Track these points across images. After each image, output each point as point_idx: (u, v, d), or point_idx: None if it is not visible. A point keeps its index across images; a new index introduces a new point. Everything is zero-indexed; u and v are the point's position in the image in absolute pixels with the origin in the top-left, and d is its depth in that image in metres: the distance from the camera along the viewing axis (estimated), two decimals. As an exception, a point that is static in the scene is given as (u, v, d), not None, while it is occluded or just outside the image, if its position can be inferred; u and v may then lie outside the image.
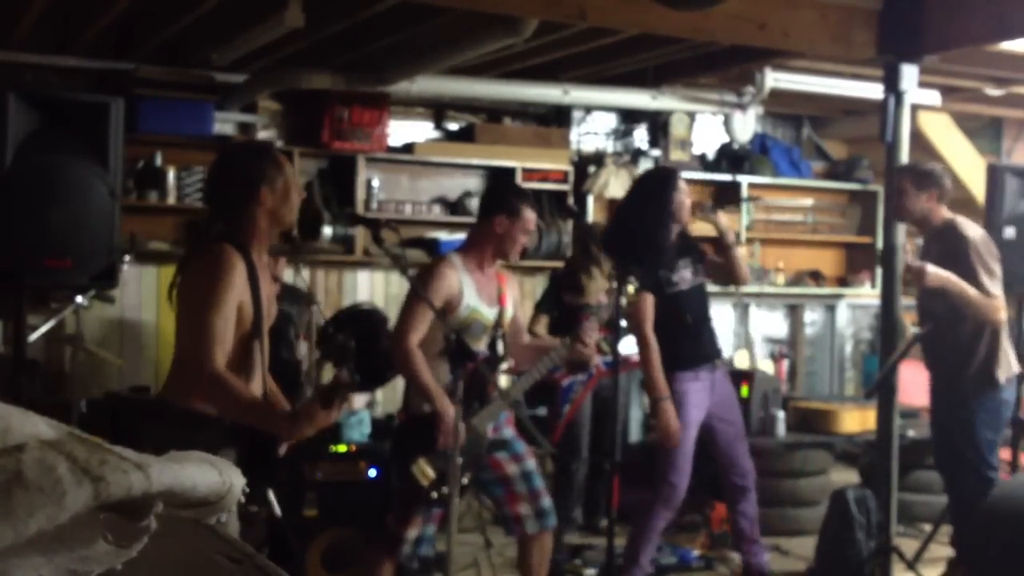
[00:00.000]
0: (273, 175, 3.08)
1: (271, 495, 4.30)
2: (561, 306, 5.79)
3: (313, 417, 2.83)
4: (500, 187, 4.30)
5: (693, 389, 4.75)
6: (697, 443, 4.93)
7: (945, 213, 4.75)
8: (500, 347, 4.14)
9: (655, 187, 4.77)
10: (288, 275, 5.83)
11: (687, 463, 4.77)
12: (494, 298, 4.07)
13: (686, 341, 4.74)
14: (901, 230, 5.11)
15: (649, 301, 4.66)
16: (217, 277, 2.96)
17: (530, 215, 4.08)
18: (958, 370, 4.75)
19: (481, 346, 4.00)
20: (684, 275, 4.78)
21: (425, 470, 3.89)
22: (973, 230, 4.72)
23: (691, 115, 7.88)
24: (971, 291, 4.53)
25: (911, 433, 6.10)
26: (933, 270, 4.53)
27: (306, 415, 2.85)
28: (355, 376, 2.91)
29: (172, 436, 2.85)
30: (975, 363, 4.69)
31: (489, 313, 4.03)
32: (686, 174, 7.90)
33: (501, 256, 4.07)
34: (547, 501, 4.11)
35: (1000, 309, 4.59)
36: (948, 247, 4.65)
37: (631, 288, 4.15)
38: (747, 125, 7.84)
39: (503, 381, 4.12)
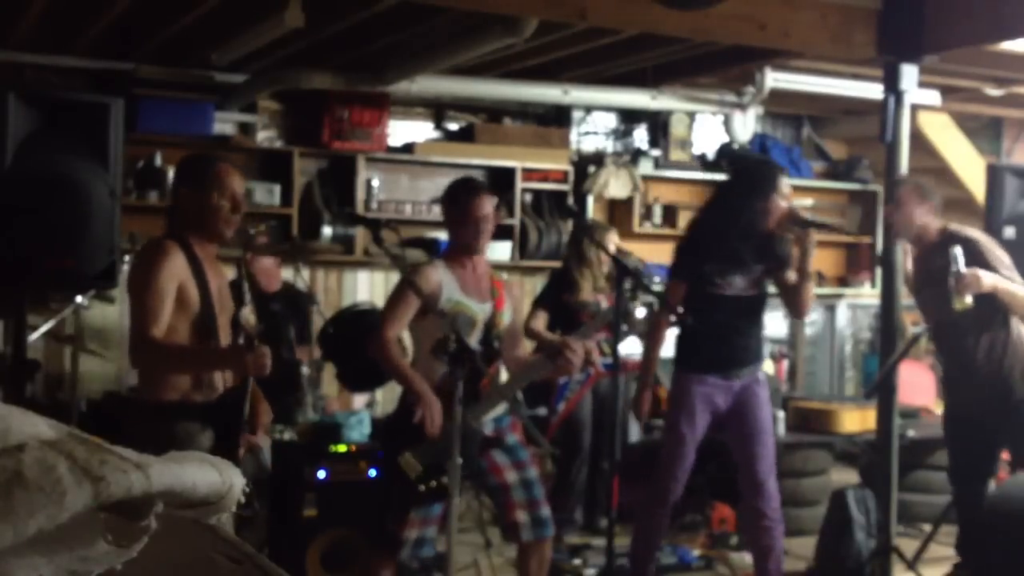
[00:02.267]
0: (206, 182, 3.38)
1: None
2: (559, 304, 5.80)
3: (238, 355, 3.21)
4: (448, 185, 4.31)
5: (697, 393, 4.53)
6: (703, 445, 4.88)
7: (937, 223, 4.70)
8: (496, 344, 4.14)
9: (754, 181, 4.53)
10: (288, 275, 5.83)
11: (683, 469, 4.58)
12: (485, 294, 4.08)
13: (705, 344, 4.50)
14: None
15: (677, 291, 4.51)
16: (151, 264, 3.29)
17: (476, 200, 4.03)
18: (1000, 372, 4.67)
19: (472, 341, 4.00)
20: (735, 281, 4.49)
21: (412, 462, 3.90)
22: (974, 232, 4.70)
23: (691, 115, 7.88)
24: (1015, 286, 4.51)
25: (911, 433, 6.10)
26: (986, 274, 4.46)
27: (235, 351, 3.23)
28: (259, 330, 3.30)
29: (154, 431, 3.20)
30: (1018, 359, 4.65)
31: (478, 308, 4.04)
32: (684, 174, 7.95)
33: (471, 249, 4.08)
34: (545, 511, 4.11)
35: None
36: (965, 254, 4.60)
37: (629, 291, 4.10)
38: (747, 125, 7.84)
39: (503, 376, 4.12)
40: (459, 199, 4.07)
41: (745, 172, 4.80)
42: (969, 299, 4.40)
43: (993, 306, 4.52)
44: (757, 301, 4.62)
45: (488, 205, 4.10)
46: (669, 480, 4.61)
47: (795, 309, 4.67)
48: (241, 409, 3.27)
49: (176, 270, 3.28)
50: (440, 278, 4.00)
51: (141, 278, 3.29)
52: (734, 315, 4.51)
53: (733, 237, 4.43)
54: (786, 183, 4.54)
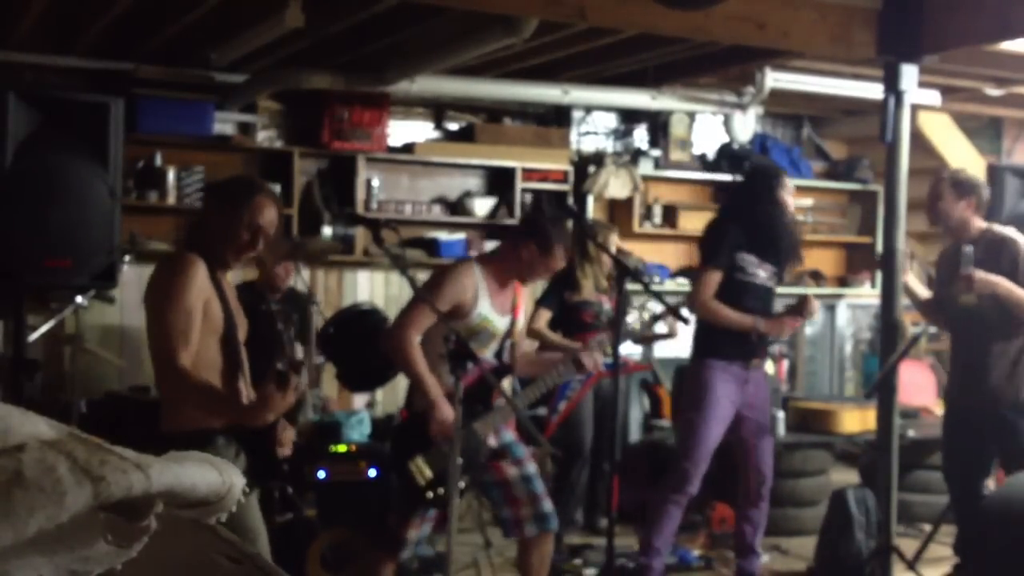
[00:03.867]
0: (236, 212, 3.18)
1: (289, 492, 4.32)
2: (561, 303, 5.80)
3: (271, 402, 2.93)
4: (544, 216, 4.34)
5: (720, 380, 4.73)
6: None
7: (981, 222, 4.74)
8: (507, 357, 4.15)
9: (765, 184, 4.90)
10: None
11: (706, 452, 4.75)
12: (507, 308, 4.09)
13: (729, 332, 4.70)
14: (901, 231, 5.11)
15: (712, 278, 4.69)
16: (176, 278, 3.09)
17: (560, 254, 4.07)
18: (1009, 379, 4.68)
19: (487, 354, 4.01)
20: (759, 272, 4.78)
21: (422, 468, 3.89)
22: (1014, 233, 4.72)
23: (691, 115, 7.88)
24: (1019, 291, 4.52)
25: (911, 433, 6.10)
26: (982, 276, 4.49)
27: (264, 401, 2.95)
28: (296, 361, 3.04)
29: None
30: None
31: (500, 323, 4.05)
32: (684, 174, 7.96)
33: (518, 279, 4.12)
34: (548, 505, 4.11)
35: None
36: (997, 255, 4.61)
37: (640, 305, 4.19)
38: (747, 125, 7.84)
39: (507, 387, 4.13)
40: (550, 246, 4.02)
41: (757, 172, 5.17)
42: (972, 297, 4.44)
43: (1008, 311, 4.54)
44: (773, 295, 4.91)
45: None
46: (693, 465, 4.74)
47: None
48: (275, 433, 3.13)
49: (201, 286, 3.12)
50: (476, 289, 3.98)
51: (165, 294, 3.10)
52: (760, 304, 4.78)
53: (760, 229, 4.74)
54: (789, 183, 4.99)
